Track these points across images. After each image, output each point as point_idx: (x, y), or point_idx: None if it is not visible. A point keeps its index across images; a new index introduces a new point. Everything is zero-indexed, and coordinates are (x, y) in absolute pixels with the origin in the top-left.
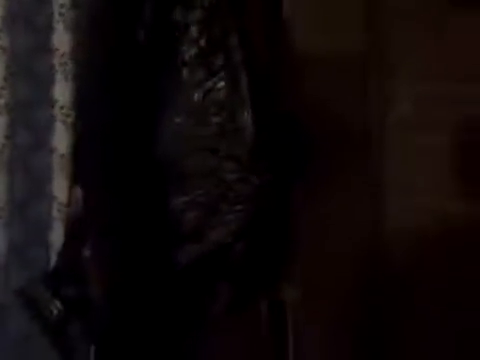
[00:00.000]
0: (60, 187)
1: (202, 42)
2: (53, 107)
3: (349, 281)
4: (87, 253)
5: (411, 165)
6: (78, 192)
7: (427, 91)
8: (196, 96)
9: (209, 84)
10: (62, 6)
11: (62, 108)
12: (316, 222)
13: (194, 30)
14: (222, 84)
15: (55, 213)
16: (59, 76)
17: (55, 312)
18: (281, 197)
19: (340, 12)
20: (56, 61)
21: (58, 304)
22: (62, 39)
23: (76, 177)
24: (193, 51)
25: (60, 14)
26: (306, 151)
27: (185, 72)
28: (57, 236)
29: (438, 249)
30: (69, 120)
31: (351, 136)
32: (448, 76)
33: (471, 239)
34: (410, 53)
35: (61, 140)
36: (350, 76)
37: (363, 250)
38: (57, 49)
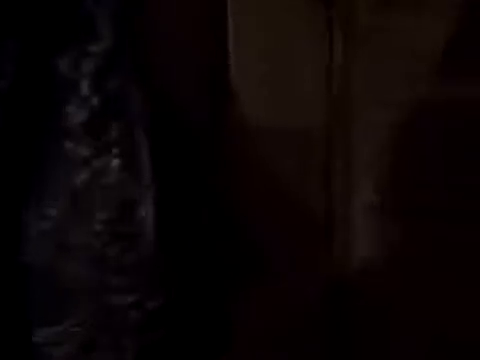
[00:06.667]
0: None
1: (94, 102)
2: None
3: None
4: None
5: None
6: None
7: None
8: (79, 180)
9: (98, 164)
10: None
11: None
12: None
13: (84, 86)
14: (116, 163)
15: None
16: None
17: None
18: (190, 321)
19: (296, 79)
20: None
21: None
22: None
23: None
24: (81, 116)
25: None
26: (250, 259)
27: (67, 145)
28: None
29: None
30: None
31: (311, 226)
32: None
33: None
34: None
35: None
36: (307, 156)
37: None
38: None
